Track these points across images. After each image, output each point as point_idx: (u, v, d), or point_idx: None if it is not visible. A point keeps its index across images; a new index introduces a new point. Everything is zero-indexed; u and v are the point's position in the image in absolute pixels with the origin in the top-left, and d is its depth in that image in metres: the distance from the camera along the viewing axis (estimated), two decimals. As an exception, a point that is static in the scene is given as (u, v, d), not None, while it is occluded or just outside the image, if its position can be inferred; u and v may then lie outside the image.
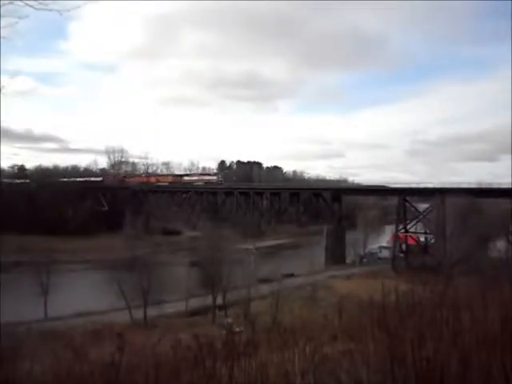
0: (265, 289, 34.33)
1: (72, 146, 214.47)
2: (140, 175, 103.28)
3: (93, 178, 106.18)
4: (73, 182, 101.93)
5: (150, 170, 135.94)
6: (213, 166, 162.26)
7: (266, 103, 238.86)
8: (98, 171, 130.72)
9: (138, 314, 33.31)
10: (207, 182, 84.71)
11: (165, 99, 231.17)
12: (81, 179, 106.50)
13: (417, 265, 48.09)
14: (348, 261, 63.65)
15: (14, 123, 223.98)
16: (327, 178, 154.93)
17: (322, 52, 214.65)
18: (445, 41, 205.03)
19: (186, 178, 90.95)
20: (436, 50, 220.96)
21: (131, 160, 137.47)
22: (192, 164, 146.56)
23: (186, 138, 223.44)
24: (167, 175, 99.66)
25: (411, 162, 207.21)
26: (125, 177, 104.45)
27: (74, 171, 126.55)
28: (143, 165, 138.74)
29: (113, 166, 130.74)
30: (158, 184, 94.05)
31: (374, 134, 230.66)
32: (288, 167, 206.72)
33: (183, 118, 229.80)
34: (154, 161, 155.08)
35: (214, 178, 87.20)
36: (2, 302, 29.49)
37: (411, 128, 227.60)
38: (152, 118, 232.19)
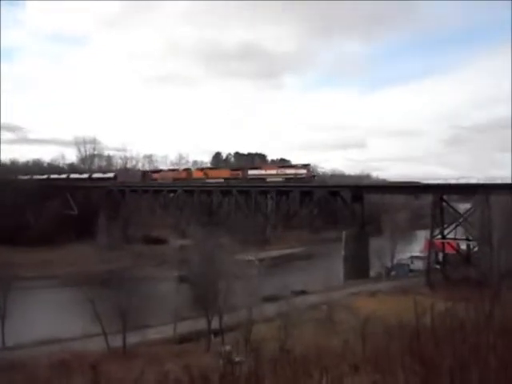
0: (270, 309, 34.38)
1: (33, 136, 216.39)
2: (177, 169, 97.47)
3: (67, 175, 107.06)
4: (35, 180, 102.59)
5: (128, 165, 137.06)
6: (206, 159, 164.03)
7: (270, 80, 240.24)
8: (65, 167, 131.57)
9: (116, 341, 33.38)
10: (291, 178, 71.14)
11: (146, 78, 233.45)
12: (45, 176, 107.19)
13: (457, 278, 48.00)
14: (372, 274, 63.64)
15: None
16: (346, 173, 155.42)
17: (337, 16, 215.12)
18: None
19: (252, 171, 78.77)
20: (481, 10, 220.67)
21: (106, 153, 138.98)
22: (181, 157, 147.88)
23: (173, 126, 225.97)
24: (218, 168, 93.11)
25: (449, 152, 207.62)
26: (149, 172, 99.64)
27: (36, 167, 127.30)
28: (120, 158, 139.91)
29: (83, 160, 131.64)
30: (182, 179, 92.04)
31: (402, 118, 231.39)
32: (298, 160, 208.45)
33: (169, 102, 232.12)
34: (134, 153, 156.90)
35: (303, 171, 70.92)
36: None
37: (449, 110, 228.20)
38: (131, 101, 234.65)
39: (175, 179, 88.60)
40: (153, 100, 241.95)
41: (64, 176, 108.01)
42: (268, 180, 73.21)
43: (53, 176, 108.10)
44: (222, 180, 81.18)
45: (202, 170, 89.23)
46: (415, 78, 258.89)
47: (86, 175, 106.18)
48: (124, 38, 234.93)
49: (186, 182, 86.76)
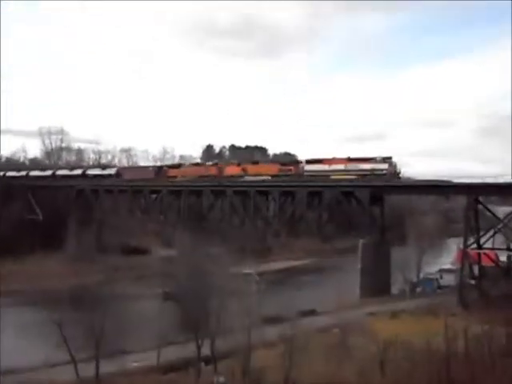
0: (273, 332, 34.34)
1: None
2: (203, 164, 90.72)
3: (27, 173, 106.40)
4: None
5: (103, 160, 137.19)
6: (195, 153, 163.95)
7: (271, 59, 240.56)
8: (26, 162, 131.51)
9: (88, 370, 33.30)
10: (367, 174, 65.51)
11: (124, 55, 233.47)
12: (1, 174, 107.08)
13: (495, 296, 47.95)
14: (394, 291, 63.73)
15: None
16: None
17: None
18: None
19: (310, 166, 70.90)
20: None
21: (76, 145, 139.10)
22: (165, 151, 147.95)
23: (156, 115, 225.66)
24: (260, 163, 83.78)
25: (484, 145, 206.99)
26: (166, 167, 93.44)
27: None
28: (93, 152, 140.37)
29: (49, 154, 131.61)
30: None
31: (428, 105, 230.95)
32: (304, 154, 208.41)
33: (151, 85, 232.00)
34: (109, 147, 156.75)
35: (384, 166, 64.32)
36: None
37: (484, 96, 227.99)
38: (105, 87, 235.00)
39: (201, 176, 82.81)
40: (132, 83, 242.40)
41: (28, 173, 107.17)
42: (333, 178, 66.83)
43: (11, 173, 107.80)
44: (269, 177, 74.87)
45: (238, 164, 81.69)
46: (442, 57, 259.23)
47: (79, 172, 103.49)
48: (97, 14, 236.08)
49: (216, 180, 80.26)
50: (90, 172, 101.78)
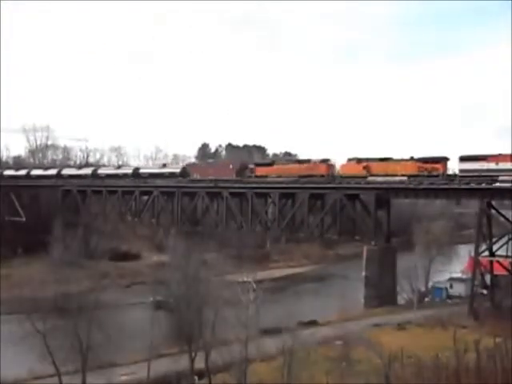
0: (271, 345, 34.34)
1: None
2: (306, 161, 75.57)
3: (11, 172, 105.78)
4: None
5: (91, 159, 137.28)
6: (190, 152, 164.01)
7: (271, 52, 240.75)
8: (9, 161, 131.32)
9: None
10: None
11: (114, 52, 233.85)
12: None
13: (509, 307, 47.94)
14: (401, 300, 63.78)
15: None
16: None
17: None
18: None
19: (465, 164, 60.56)
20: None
21: (62, 144, 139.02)
22: (157, 149, 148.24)
23: (148, 113, 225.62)
24: (390, 160, 66.64)
25: (500, 144, 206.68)
26: (255, 165, 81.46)
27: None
28: (80, 150, 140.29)
29: (33, 152, 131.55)
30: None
31: (432, 99, 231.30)
32: (306, 153, 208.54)
33: (142, 82, 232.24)
34: (98, 145, 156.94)
35: None
36: None
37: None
38: (94, 83, 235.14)
39: (304, 176, 71.92)
40: (121, 82, 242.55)
41: (11, 173, 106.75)
42: (501, 178, 58.01)
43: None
44: (404, 178, 63.51)
45: (359, 161, 67.82)
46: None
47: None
48: (87, 10, 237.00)
49: (325, 178, 69.67)
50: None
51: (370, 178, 65.35)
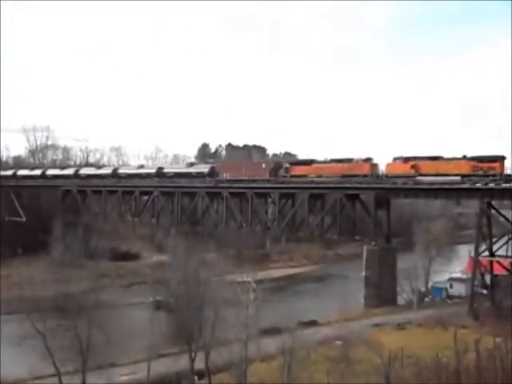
0: (271, 345, 34.29)
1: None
2: (347, 160, 69.16)
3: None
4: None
5: (91, 159, 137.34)
6: (190, 153, 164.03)
7: (272, 52, 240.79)
8: (10, 161, 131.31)
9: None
10: None
11: (114, 53, 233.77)
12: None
13: (509, 307, 47.91)
14: (401, 301, 63.79)
15: None
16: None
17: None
18: None
19: None
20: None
21: (62, 144, 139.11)
22: (157, 149, 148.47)
23: (148, 113, 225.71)
24: (440, 159, 61.94)
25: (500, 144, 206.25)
26: (290, 164, 76.74)
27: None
28: (80, 150, 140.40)
29: (33, 152, 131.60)
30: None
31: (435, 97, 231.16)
32: (306, 153, 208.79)
33: (142, 82, 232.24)
34: (98, 145, 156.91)
35: None
36: None
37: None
38: (93, 84, 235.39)
39: (346, 176, 67.54)
40: (121, 83, 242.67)
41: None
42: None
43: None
44: (458, 178, 59.10)
45: (406, 160, 63.60)
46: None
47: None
48: (86, 10, 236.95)
49: (369, 178, 65.97)
50: (124, 171, 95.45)
51: (419, 178, 61.73)
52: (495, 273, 56.19)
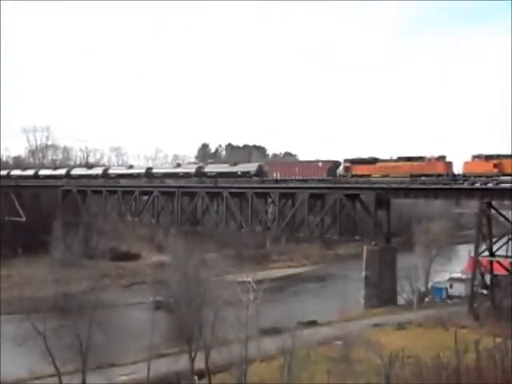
0: (271, 345, 34.31)
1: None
2: (420, 158, 63.51)
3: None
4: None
5: (91, 159, 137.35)
6: (190, 153, 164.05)
7: (272, 39, 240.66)
8: (9, 161, 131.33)
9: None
10: None
11: (114, 53, 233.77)
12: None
13: (509, 307, 47.91)
14: (401, 301, 63.72)
15: None
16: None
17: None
18: None
19: None
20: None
21: (62, 144, 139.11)
22: (157, 150, 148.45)
23: (147, 113, 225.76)
24: None
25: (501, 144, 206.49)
26: (350, 162, 68.77)
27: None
28: (80, 150, 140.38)
29: (33, 152, 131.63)
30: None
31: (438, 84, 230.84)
32: (307, 153, 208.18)
33: (142, 82, 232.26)
34: (98, 145, 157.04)
35: None
36: None
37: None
38: (94, 82, 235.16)
39: (416, 176, 62.51)
40: (121, 81, 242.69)
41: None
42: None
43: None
44: None
45: (488, 158, 58.37)
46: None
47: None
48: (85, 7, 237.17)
49: (443, 178, 60.75)
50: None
51: (503, 178, 56.72)
52: (495, 273, 56.14)
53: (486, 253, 56.19)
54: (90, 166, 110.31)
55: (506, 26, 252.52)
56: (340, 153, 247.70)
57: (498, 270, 56.07)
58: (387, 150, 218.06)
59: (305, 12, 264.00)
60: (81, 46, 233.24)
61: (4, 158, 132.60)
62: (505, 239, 56.59)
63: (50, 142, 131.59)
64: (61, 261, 76.15)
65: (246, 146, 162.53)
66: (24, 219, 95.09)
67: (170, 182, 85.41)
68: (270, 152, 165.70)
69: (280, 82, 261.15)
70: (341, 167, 69.63)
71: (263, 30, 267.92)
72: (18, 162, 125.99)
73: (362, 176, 66.83)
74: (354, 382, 30.88)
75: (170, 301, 40.49)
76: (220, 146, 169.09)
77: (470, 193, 60.09)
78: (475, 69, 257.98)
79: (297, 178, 71.59)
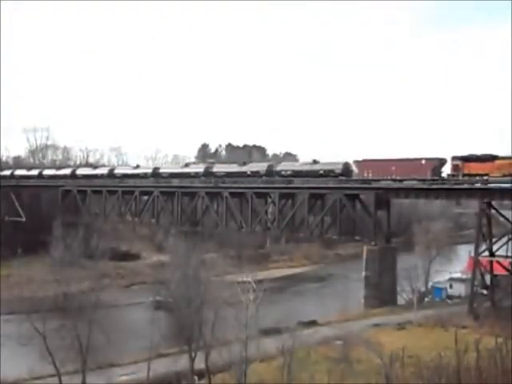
0: (271, 345, 34.29)
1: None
2: None
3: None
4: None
5: (91, 159, 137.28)
6: (191, 153, 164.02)
7: (273, 39, 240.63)
8: (9, 161, 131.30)
9: (73, 384, 33.33)
10: None
11: (114, 53, 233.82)
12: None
13: (509, 307, 47.92)
14: (401, 300, 63.72)
15: None
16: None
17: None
18: None
19: None
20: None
21: (62, 144, 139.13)
22: (157, 150, 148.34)
23: (147, 111, 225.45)
24: None
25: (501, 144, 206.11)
26: (462, 160, 59.53)
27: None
28: (80, 150, 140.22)
29: (33, 152, 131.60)
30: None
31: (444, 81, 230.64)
32: (308, 153, 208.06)
33: (142, 82, 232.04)
34: (98, 145, 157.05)
35: None
36: None
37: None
38: (94, 82, 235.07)
39: None
40: (121, 81, 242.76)
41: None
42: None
43: None
44: None
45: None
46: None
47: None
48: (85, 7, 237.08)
49: None
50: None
51: (504, 178, 54.87)
52: (495, 273, 56.16)
53: (486, 253, 56.23)
54: (95, 166, 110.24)
55: (507, 25, 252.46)
56: (340, 153, 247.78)
57: (498, 270, 56.08)
58: (387, 150, 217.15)
59: (305, 12, 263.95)
60: (81, 46, 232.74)
61: (4, 158, 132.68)
62: (505, 239, 56.63)
63: (49, 142, 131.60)
64: (61, 261, 75.87)
65: (245, 146, 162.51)
66: (24, 219, 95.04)
67: (174, 182, 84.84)
68: (270, 152, 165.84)
69: (280, 82, 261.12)
70: (446, 165, 62.74)
71: (263, 30, 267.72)
72: (18, 162, 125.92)
73: (477, 175, 59.07)
74: (354, 381, 30.89)
75: (170, 301, 40.45)
76: (220, 145, 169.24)
77: (470, 193, 60.05)
78: (475, 69, 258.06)
79: (394, 177, 64.70)
